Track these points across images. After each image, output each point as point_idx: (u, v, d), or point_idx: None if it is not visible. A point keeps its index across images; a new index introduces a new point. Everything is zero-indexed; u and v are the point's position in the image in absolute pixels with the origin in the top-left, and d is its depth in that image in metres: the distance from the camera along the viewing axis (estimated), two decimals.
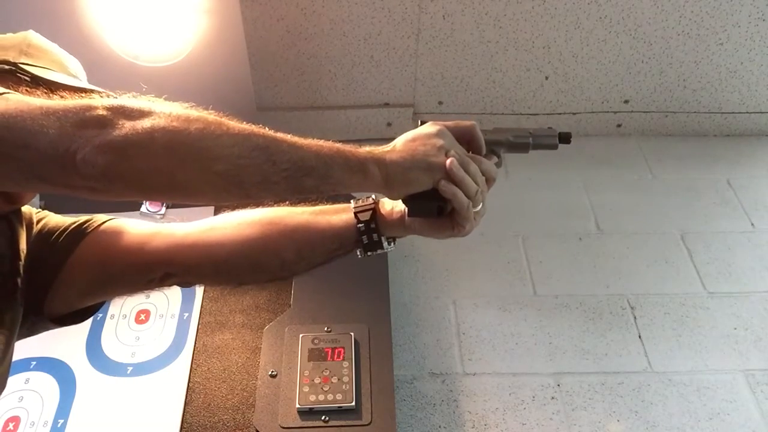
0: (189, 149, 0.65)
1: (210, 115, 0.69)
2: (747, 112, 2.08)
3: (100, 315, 1.41)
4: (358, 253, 0.87)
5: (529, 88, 2.00)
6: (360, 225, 0.85)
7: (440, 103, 2.03)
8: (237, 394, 1.24)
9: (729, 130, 2.12)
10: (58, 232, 0.89)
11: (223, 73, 1.55)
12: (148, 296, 1.45)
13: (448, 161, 0.75)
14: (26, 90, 0.80)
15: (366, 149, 0.74)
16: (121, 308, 1.44)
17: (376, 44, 1.86)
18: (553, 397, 1.48)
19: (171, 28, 1.45)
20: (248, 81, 1.59)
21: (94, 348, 1.36)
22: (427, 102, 2.02)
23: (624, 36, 1.87)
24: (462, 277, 1.72)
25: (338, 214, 0.88)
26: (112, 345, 1.37)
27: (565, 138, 0.96)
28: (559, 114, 2.07)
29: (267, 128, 0.71)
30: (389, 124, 2.05)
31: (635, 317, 1.63)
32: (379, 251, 0.87)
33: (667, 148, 2.08)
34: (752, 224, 1.86)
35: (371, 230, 0.85)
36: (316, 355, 1.25)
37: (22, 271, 0.84)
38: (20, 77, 0.85)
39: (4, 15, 1.41)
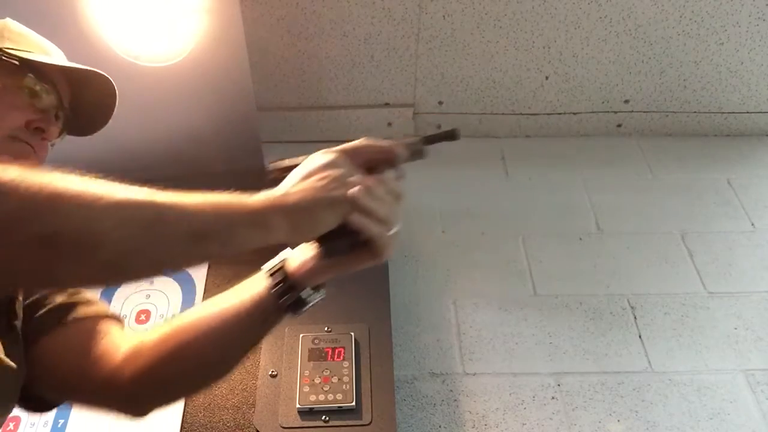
0: (63, 238, 0.52)
1: (82, 182, 0.55)
2: (747, 112, 2.08)
3: None
4: (290, 314, 0.80)
5: (529, 88, 2.00)
6: (274, 289, 0.78)
7: (440, 103, 2.03)
8: (237, 394, 1.24)
9: (729, 130, 2.12)
10: (45, 306, 0.84)
11: (223, 73, 1.54)
12: (148, 296, 1.45)
13: (350, 192, 0.68)
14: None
15: (261, 197, 0.65)
16: (122, 308, 1.44)
17: (376, 44, 1.86)
18: (553, 397, 1.48)
19: (171, 28, 1.45)
20: (248, 81, 1.59)
21: None
22: (427, 102, 2.02)
23: (624, 36, 1.87)
24: (462, 277, 1.72)
25: (251, 288, 0.80)
26: None
27: (452, 135, 0.86)
28: (559, 114, 2.07)
29: (155, 189, 0.59)
30: (389, 124, 2.05)
31: (635, 317, 1.63)
32: (309, 305, 0.80)
33: (667, 148, 2.08)
34: (752, 224, 1.86)
35: (289, 288, 0.78)
36: (317, 355, 1.25)
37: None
38: (6, 61, 0.84)
39: (4, 15, 1.41)
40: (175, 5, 1.41)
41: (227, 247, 0.62)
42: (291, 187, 0.68)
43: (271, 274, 0.79)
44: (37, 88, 0.84)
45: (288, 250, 0.81)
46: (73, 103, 0.90)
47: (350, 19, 1.80)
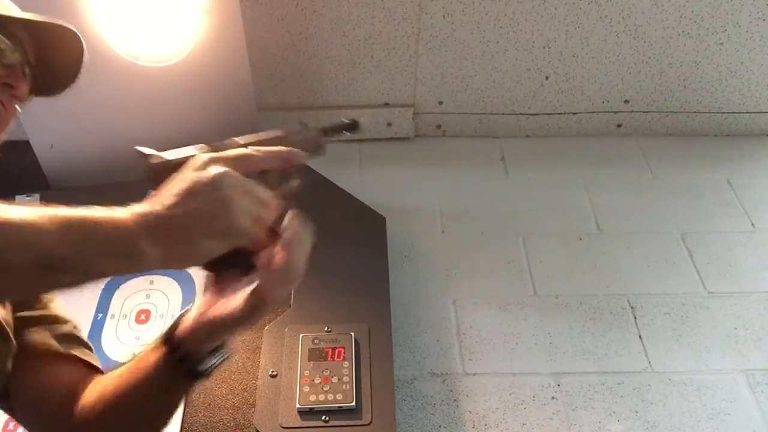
0: None
1: None
2: (747, 112, 2.08)
3: (101, 315, 1.41)
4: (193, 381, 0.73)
5: (529, 88, 2.00)
6: (167, 359, 0.70)
7: (440, 103, 2.03)
8: (237, 394, 1.24)
9: (729, 130, 2.12)
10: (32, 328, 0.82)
11: (223, 73, 1.55)
12: (148, 296, 1.45)
13: (241, 225, 0.57)
14: None
15: (130, 218, 0.54)
16: (122, 308, 1.43)
17: (376, 44, 1.86)
18: (553, 397, 1.48)
19: (171, 28, 1.45)
20: (248, 81, 1.59)
21: (94, 348, 1.36)
22: (427, 102, 2.02)
23: (624, 36, 1.87)
24: (462, 277, 1.72)
25: (148, 357, 0.72)
26: (112, 345, 1.37)
27: (353, 126, 0.80)
28: (559, 114, 2.07)
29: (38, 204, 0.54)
30: (389, 124, 2.05)
31: (635, 317, 1.63)
32: (211, 368, 0.73)
33: (667, 148, 2.08)
34: (752, 224, 1.86)
35: (182, 357, 0.70)
36: (317, 355, 1.25)
37: None
38: None
39: None
40: (175, 5, 1.41)
41: (86, 278, 0.54)
42: (170, 205, 0.56)
43: (164, 342, 0.71)
44: (1, 45, 0.78)
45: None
46: (39, 59, 0.85)
47: (350, 19, 1.80)
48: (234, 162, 0.60)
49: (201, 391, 1.25)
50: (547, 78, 1.97)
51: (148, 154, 0.62)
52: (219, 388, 1.26)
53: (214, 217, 0.56)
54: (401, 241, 1.78)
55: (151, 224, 0.54)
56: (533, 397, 1.48)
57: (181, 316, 0.72)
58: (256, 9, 1.75)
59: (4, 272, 0.49)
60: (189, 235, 0.56)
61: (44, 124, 1.57)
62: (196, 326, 0.69)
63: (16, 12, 0.83)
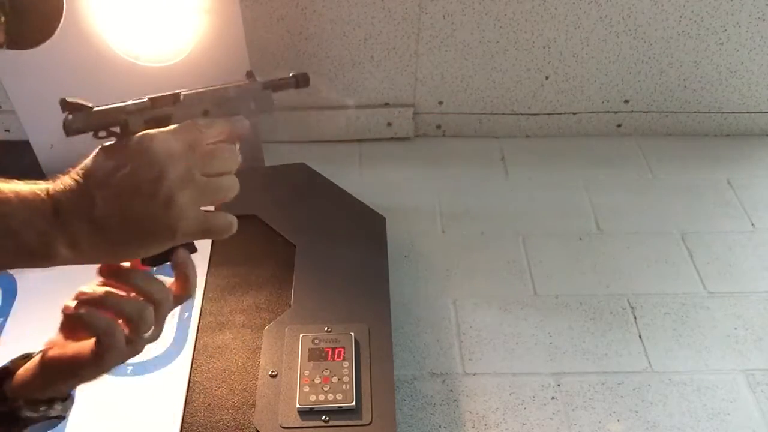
0: None
1: None
2: (747, 112, 2.08)
3: None
4: None
5: (529, 88, 2.00)
6: None
7: (440, 103, 2.03)
8: (237, 394, 1.24)
9: (729, 130, 2.12)
10: None
11: (223, 73, 1.54)
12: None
13: (183, 228, 0.50)
14: None
15: (51, 205, 0.47)
16: None
17: (376, 44, 1.86)
18: (553, 397, 1.48)
19: (171, 28, 1.45)
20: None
21: None
22: (427, 102, 2.02)
23: (624, 36, 1.87)
24: (462, 277, 1.72)
25: None
26: None
27: (302, 79, 0.72)
28: (559, 114, 2.07)
29: None
30: (389, 124, 2.05)
31: (635, 317, 1.63)
32: (41, 415, 0.61)
33: (667, 148, 2.09)
34: (752, 224, 1.86)
35: (6, 400, 0.60)
36: (317, 355, 1.25)
37: None
38: None
39: None
40: (175, 5, 1.41)
41: None
42: (102, 204, 0.47)
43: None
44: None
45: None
46: (14, 9, 0.83)
47: (350, 19, 1.80)
48: (179, 140, 0.51)
49: (201, 391, 1.25)
50: (547, 78, 1.97)
51: (73, 103, 0.52)
52: (219, 388, 1.26)
53: (151, 219, 0.48)
54: (401, 241, 1.78)
55: (74, 226, 0.47)
56: (533, 397, 1.48)
57: (22, 358, 0.62)
58: (256, 9, 1.75)
59: None
60: (116, 239, 0.49)
61: (44, 124, 1.57)
62: (34, 372, 0.59)
63: None
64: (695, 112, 2.08)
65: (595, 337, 1.59)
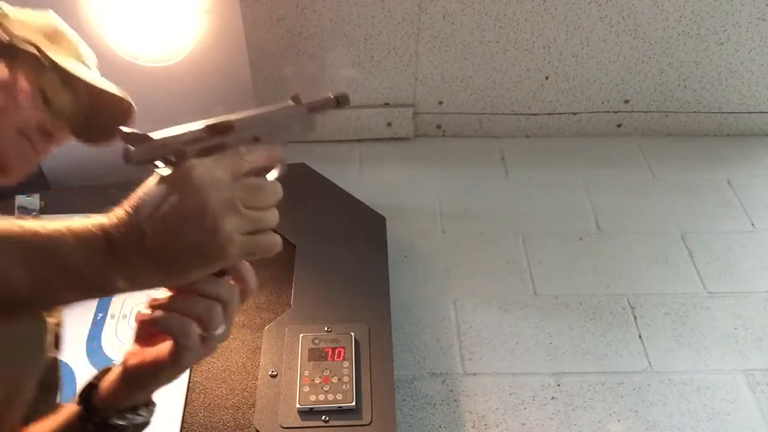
0: None
1: None
2: (747, 112, 2.08)
3: (101, 315, 1.41)
4: None
5: (529, 88, 2.00)
6: (80, 417, 0.64)
7: (440, 103, 2.03)
8: (237, 394, 1.24)
9: (729, 130, 2.12)
10: None
11: (223, 73, 1.55)
12: (149, 295, 1.46)
13: (232, 251, 0.51)
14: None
15: (106, 240, 0.49)
16: (122, 308, 1.44)
17: (376, 44, 1.86)
18: (553, 397, 1.48)
19: (171, 28, 1.45)
20: (248, 81, 1.59)
21: (94, 348, 1.36)
22: (427, 102, 2.02)
23: (624, 36, 1.87)
24: (462, 277, 1.72)
25: (65, 414, 0.67)
26: (112, 344, 1.37)
27: (342, 100, 0.71)
28: (560, 114, 2.07)
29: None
30: (389, 124, 2.05)
31: (635, 317, 1.63)
32: (130, 424, 0.66)
33: (667, 148, 2.08)
34: (752, 224, 1.86)
35: (94, 418, 0.64)
36: (317, 355, 1.25)
37: None
38: (36, 57, 0.84)
39: None
40: (175, 5, 1.41)
41: (47, 309, 0.51)
42: (152, 234, 0.49)
43: (79, 401, 0.65)
44: (57, 93, 0.84)
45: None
46: (87, 113, 0.90)
47: (350, 19, 1.80)
48: (222, 169, 0.53)
49: (201, 391, 1.25)
50: (547, 78, 1.97)
51: (132, 134, 0.54)
52: (219, 388, 1.26)
53: (200, 247, 0.50)
54: (401, 241, 1.78)
55: (129, 259, 0.49)
56: (533, 397, 1.48)
57: (105, 371, 0.66)
58: (256, 9, 1.75)
59: None
60: (169, 268, 0.51)
61: None
62: (118, 383, 0.64)
63: (81, 70, 0.88)
64: (695, 112, 2.08)
65: (595, 337, 1.59)
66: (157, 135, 0.55)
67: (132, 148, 0.53)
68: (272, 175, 0.61)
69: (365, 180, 1.96)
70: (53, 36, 0.89)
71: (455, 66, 1.93)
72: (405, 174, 2.00)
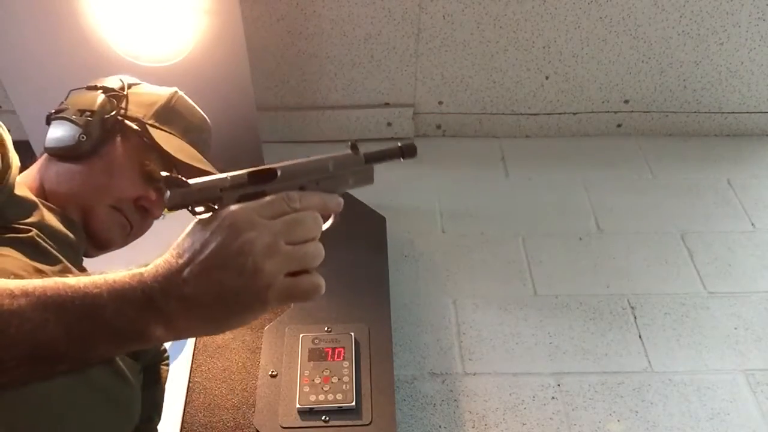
0: None
1: None
2: (747, 112, 2.08)
3: None
4: None
5: (529, 88, 2.00)
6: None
7: (440, 103, 2.03)
8: (237, 394, 1.24)
9: (729, 130, 2.12)
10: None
11: (223, 73, 1.54)
12: None
13: (272, 297, 0.50)
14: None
15: (142, 292, 0.49)
16: None
17: (376, 44, 1.86)
18: (553, 397, 1.48)
19: (171, 28, 1.45)
20: (248, 81, 1.59)
21: None
22: (427, 102, 2.02)
23: (624, 36, 1.87)
24: (462, 277, 1.72)
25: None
26: None
27: (409, 151, 0.68)
28: (559, 114, 2.07)
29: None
30: (389, 124, 2.05)
31: (635, 317, 1.63)
32: None
33: (667, 148, 2.08)
34: (752, 224, 1.86)
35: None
36: (317, 355, 1.25)
37: None
38: (143, 140, 0.88)
39: (5, 15, 1.41)
40: (175, 5, 1.41)
41: (81, 364, 0.50)
42: (191, 282, 0.48)
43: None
44: (158, 174, 0.87)
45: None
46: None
47: (350, 19, 1.80)
48: (264, 213, 0.51)
49: (201, 391, 1.25)
50: (547, 78, 1.97)
51: (172, 178, 0.53)
52: (219, 388, 1.26)
53: (240, 291, 0.49)
54: (401, 241, 1.78)
55: (167, 308, 0.49)
56: (533, 397, 1.48)
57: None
58: (256, 9, 1.75)
59: None
60: (209, 315, 0.50)
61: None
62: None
63: (183, 151, 0.91)
64: (695, 112, 2.08)
65: (595, 337, 1.59)
66: (196, 181, 0.54)
67: (170, 192, 0.52)
68: (325, 226, 0.59)
69: None
70: (166, 114, 0.92)
71: (455, 66, 1.93)
72: (405, 174, 1.99)
